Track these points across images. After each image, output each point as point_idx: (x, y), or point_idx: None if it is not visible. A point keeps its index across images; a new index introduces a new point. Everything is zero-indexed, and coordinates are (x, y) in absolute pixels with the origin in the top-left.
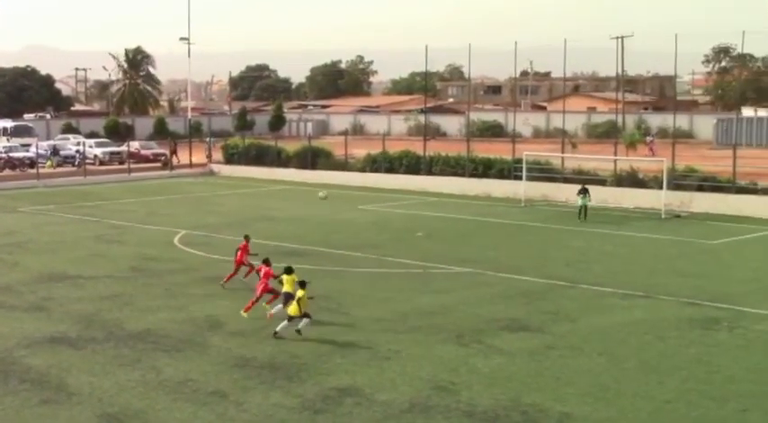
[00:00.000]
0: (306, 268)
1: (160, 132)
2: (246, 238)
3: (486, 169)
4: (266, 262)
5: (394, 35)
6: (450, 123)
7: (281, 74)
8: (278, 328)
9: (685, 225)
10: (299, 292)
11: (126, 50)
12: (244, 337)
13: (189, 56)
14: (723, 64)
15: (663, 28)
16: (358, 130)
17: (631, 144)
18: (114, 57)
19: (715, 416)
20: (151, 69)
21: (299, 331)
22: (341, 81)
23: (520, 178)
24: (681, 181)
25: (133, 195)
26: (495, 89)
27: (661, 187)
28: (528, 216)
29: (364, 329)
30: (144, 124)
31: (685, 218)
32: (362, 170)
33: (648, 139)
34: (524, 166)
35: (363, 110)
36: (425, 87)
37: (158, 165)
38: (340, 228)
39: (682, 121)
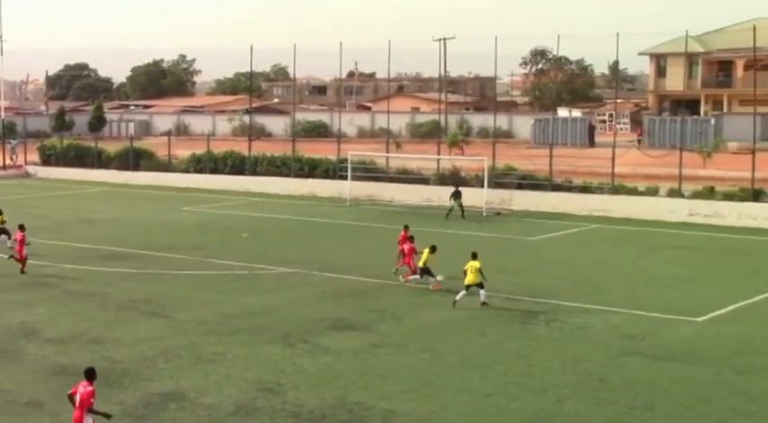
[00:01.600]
0: (126, 272)
1: None
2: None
3: (311, 169)
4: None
5: (218, 35)
6: (276, 124)
7: (102, 73)
8: (482, 299)
9: (505, 222)
10: (476, 263)
11: None
12: (62, 344)
13: (1, 53)
14: (540, 66)
15: (483, 30)
16: (182, 131)
17: (454, 143)
18: None
19: (533, 407)
20: None
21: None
22: (163, 81)
23: (345, 178)
24: (501, 179)
25: None
26: (320, 89)
27: (482, 186)
28: (353, 215)
29: (188, 333)
30: None
31: (506, 215)
32: (186, 171)
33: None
34: (350, 165)
35: (187, 110)
36: (250, 88)
37: None
38: (163, 229)
39: (501, 121)
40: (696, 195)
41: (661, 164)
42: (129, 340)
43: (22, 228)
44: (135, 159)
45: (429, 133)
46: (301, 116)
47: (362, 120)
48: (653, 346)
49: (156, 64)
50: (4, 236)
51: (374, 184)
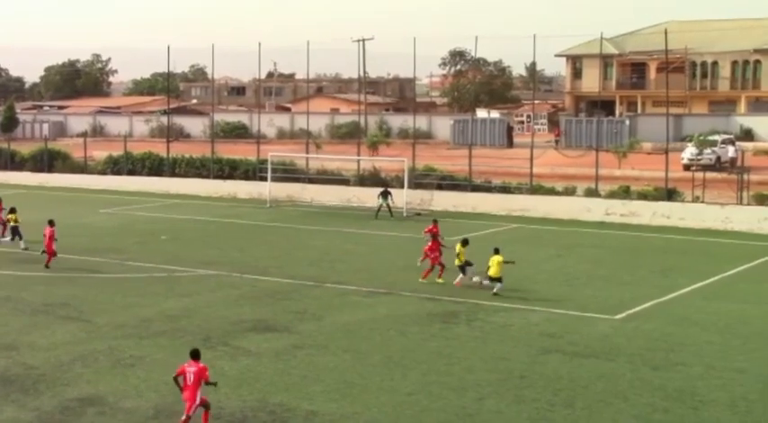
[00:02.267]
0: (42, 276)
1: None
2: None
3: (231, 170)
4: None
5: (135, 34)
6: (194, 125)
7: (13, 72)
8: (495, 291)
9: (426, 223)
10: (499, 257)
11: None
12: None
13: None
14: (459, 67)
15: (402, 31)
16: (98, 132)
17: (373, 144)
18: None
19: (455, 405)
20: None
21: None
22: (78, 81)
23: (265, 179)
24: (421, 180)
25: None
26: (239, 90)
27: (402, 186)
28: (273, 217)
29: (106, 337)
30: None
31: (426, 216)
32: (103, 173)
33: None
34: (269, 166)
35: (103, 111)
36: (168, 88)
37: None
38: (80, 232)
39: (421, 121)
40: (612, 195)
41: (578, 164)
42: (44, 345)
43: (51, 223)
44: (50, 161)
45: (349, 134)
46: (220, 117)
47: (282, 121)
48: (572, 344)
49: (72, 64)
50: (16, 237)
51: (294, 185)
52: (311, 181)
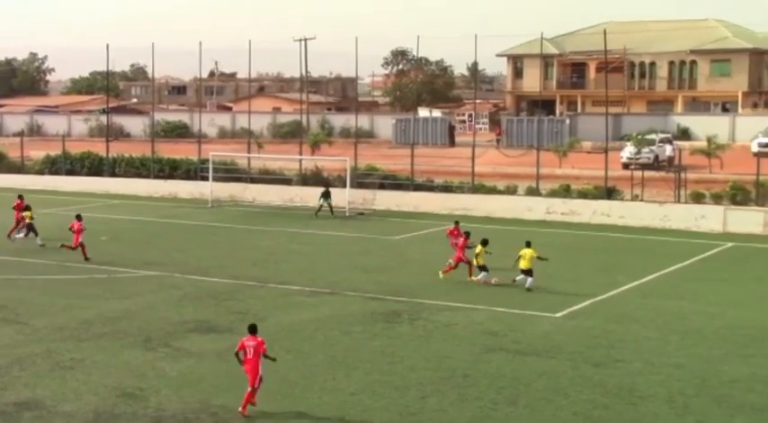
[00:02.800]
0: None
1: None
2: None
3: (172, 170)
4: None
5: (73, 32)
6: (134, 124)
7: None
8: (527, 285)
9: (368, 222)
10: (531, 251)
11: None
12: None
13: None
14: (401, 66)
15: (345, 31)
16: (35, 131)
17: (316, 144)
18: None
19: (398, 404)
20: None
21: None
22: (15, 79)
23: (206, 179)
24: (363, 179)
25: None
26: (179, 89)
27: (345, 186)
28: (215, 216)
29: (45, 339)
30: None
31: (368, 215)
32: (41, 172)
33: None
34: (211, 166)
35: (41, 110)
36: (107, 87)
37: None
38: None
39: (363, 121)
40: (553, 194)
41: (519, 163)
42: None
43: (79, 217)
44: None
45: (291, 133)
46: (160, 116)
47: (223, 120)
48: (515, 342)
49: (8, 62)
50: (31, 233)
51: (236, 185)
52: (253, 181)
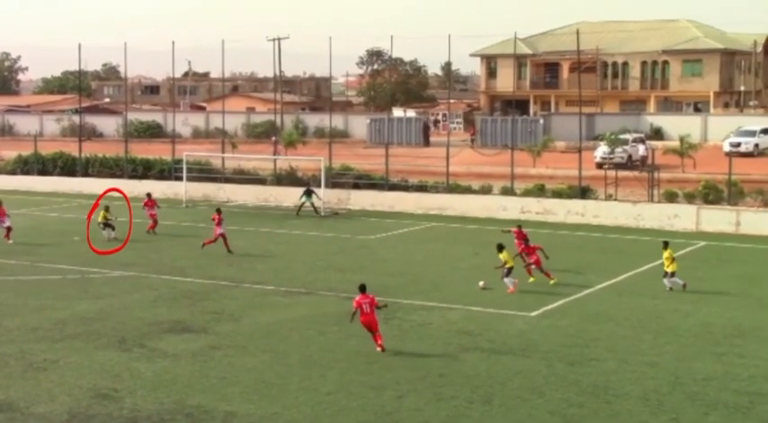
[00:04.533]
0: None
1: None
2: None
3: (145, 170)
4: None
5: (46, 32)
6: (107, 124)
7: None
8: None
9: (343, 222)
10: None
11: None
12: None
13: None
14: (376, 66)
15: (318, 30)
16: (6, 131)
17: (290, 143)
18: None
19: (374, 404)
20: None
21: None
22: None
23: (181, 179)
24: (338, 179)
25: None
26: (153, 89)
27: (319, 185)
28: (189, 217)
29: (17, 340)
30: None
31: (343, 215)
32: (13, 173)
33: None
34: (185, 166)
35: (12, 109)
36: (79, 87)
37: None
38: None
39: (337, 120)
40: (527, 193)
41: (493, 163)
42: None
43: (218, 211)
44: None
45: (265, 133)
46: (134, 116)
47: (197, 120)
48: (490, 341)
49: None
50: (108, 229)
51: (210, 185)
52: (227, 180)
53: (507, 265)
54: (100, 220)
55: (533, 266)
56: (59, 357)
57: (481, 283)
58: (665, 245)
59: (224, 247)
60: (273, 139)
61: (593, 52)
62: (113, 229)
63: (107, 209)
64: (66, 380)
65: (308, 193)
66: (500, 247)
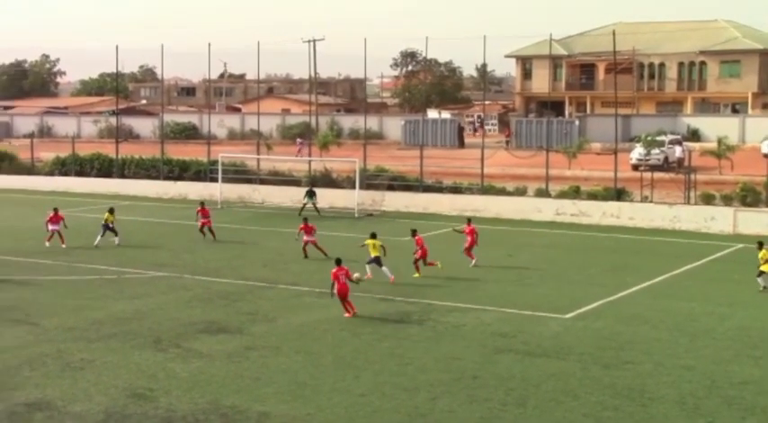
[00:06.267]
0: None
1: None
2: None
3: (181, 171)
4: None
5: (83, 34)
6: (144, 125)
7: None
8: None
9: (377, 223)
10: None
11: None
12: None
13: None
14: (410, 68)
15: (354, 32)
16: (45, 133)
17: (325, 145)
18: None
19: (407, 405)
20: None
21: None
22: (25, 81)
23: (216, 180)
24: (372, 181)
25: None
26: (188, 91)
27: (354, 187)
28: (225, 218)
29: (55, 340)
30: None
31: (377, 216)
32: (51, 174)
33: (298, 141)
34: (220, 167)
35: (51, 111)
36: (116, 88)
37: None
38: (28, 235)
39: (372, 122)
40: (562, 195)
41: (528, 164)
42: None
43: (202, 204)
44: None
45: (300, 135)
46: (170, 118)
47: (232, 121)
48: (524, 343)
49: (19, 64)
50: (110, 232)
51: (245, 187)
52: (262, 182)
53: (372, 254)
54: (103, 221)
55: (420, 260)
56: (96, 357)
57: (356, 276)
58: (760, 245)
59: (252, 250)
60: (299, 141)
61: (630, 53)
62: (116, 233)
63: (111, 211)
64: (102, 379)
65: (311, 194)
66: (373, 235)
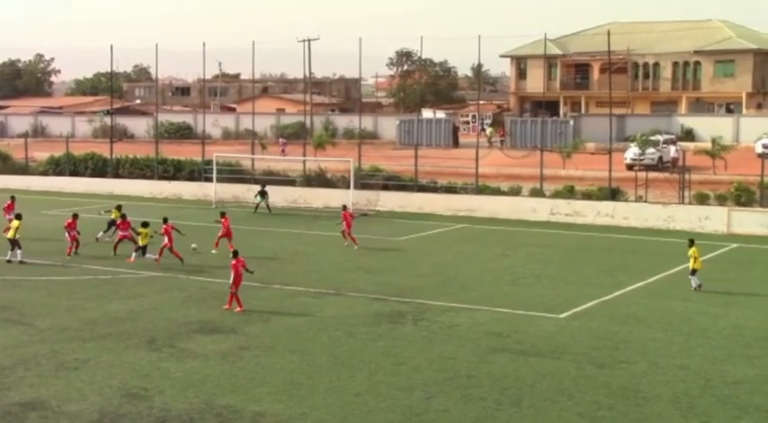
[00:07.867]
0: None
1: None
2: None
3: (176, 171)
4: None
5: (78, 34)
6: (138, 125)
7: None
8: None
9: (372, 223)
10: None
11: None
12: None
13: None
14: (405, 67)
15: (348, 31)
16: (39, 132)
17: (320, 145)
18: None
19: (402, 405)
20: None
21: None
22: (19, 81)
23: (210, 180)
24: (367, 180)
25: None
26: (183, 90)
27: (348, 187)
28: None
29: (49, 340)
30: None
31: (372, 216)
32: (45, 173)
33: (281, 140)
34: (215, 167)
35: (45, 111)
36: (111, 88)
37: None
38: (22, 234)
39: (367, 122)
40: (557, 195)
41: (523, 164)
42: None
43: (223, 214)
44: None
45: (294, 135)
46: (164, 117)
47: (227, 121)
48: (518, 343)
49: (12, 63)
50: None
51: (240, 186)
52: (257, 182)
53: (141, 243)
54: (111, 217)
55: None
56: (90, 357)
57: (194, 246)
58: (691, 242)
59: (247, 250)
60: (281, 140)
61: (624, 53)
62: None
63: (119, 207)
64: (96, 379)
65: (262, 194)
66: (144, 224)
